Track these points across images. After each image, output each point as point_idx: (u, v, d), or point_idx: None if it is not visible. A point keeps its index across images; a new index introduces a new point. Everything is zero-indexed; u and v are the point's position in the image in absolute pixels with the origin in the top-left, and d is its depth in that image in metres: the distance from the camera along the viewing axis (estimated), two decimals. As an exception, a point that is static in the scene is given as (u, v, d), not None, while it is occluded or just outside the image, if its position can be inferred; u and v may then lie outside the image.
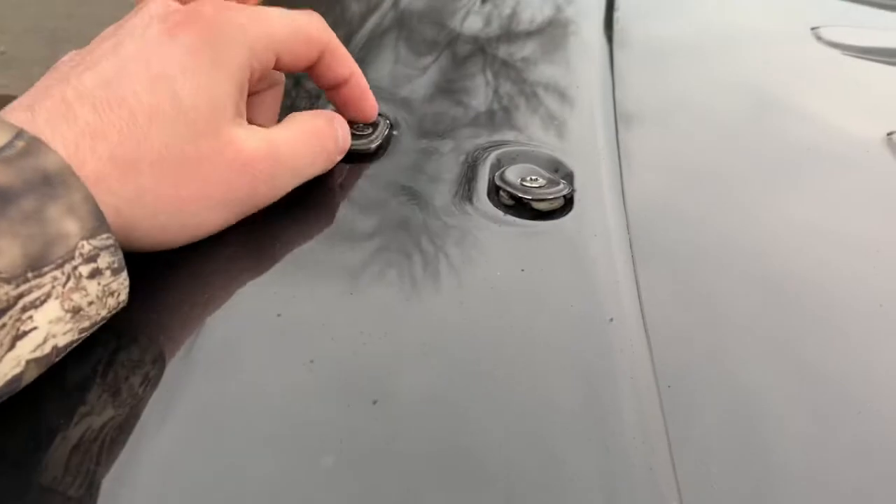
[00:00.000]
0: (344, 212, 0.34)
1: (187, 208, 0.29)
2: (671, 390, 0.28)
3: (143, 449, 0.23)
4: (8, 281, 0.22)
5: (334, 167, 0.36)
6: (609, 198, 0.37)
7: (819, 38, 0.62)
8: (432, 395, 0.26)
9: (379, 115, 0.41)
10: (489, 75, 0.49)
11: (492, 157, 0.39)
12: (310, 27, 0.34)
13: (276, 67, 0.34)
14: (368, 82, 0.38)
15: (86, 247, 0.24)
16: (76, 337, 0.25)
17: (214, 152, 0.29)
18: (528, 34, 0.57)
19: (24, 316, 0.22)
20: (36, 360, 0.23)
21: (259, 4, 0.34)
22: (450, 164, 0.38)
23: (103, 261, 0.25)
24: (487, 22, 0.57)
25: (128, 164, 0.27)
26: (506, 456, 0.24)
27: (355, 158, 0.38)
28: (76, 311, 0.24)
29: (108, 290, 0.25)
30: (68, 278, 0.24)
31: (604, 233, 0.34)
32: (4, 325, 0.22)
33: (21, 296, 0.22)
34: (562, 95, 0.47)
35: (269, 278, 0.30)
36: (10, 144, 0.23)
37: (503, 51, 0.53)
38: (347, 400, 0.25)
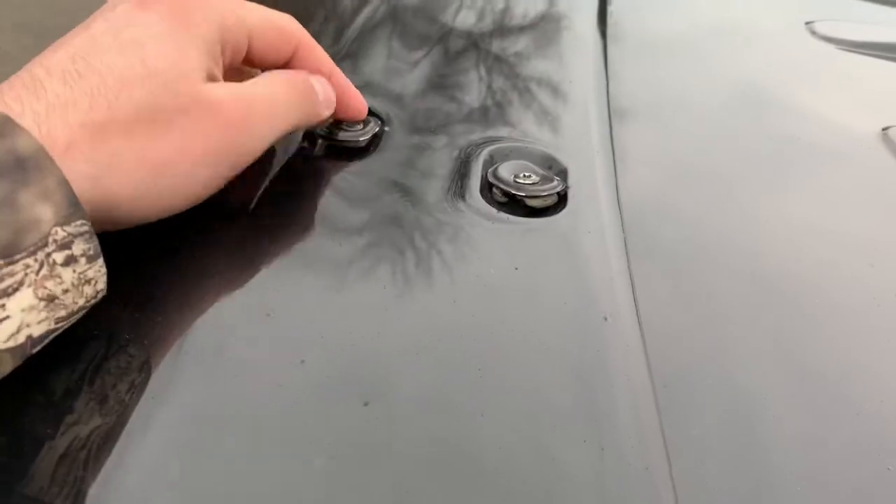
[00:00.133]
0: (334, 208, 0.34)
1: (167, 169, 0.28)
2: (667, 389, 0.27)
3: (131, 454, 0.23)
4: None
5: (325, 163, 0.36)
6: (603, 194, 0.37)
7: (813, 33, 0.62)
8: (425, 396, 0.25)
9: (370, 110, 0.40)
10: (482, 71, 0.49)
11: (485, 153, 0.39)
12: (282, 19, 0.34)
13: (249, 57, 0.34)
14: (359, 77, 0.38)
15: (59, 233, 0.24)
16: (53, 326, 0.24)
17: (186, 106, 0.29)
18: (522, 29, 0.56)
19: None
20: (10, 351, 0.23)
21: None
22: (442, 160, 0.38)
23: (78, 248, 0.24)
24: (480, 17, 0.57)
25: (99, 127, 0.26)
26: (500, 456, 0.24)
27: (346, 154, 0.37)
28: (51, 299, 0.24)
29: (84, 277, 0.25)
30: (41, 266, 0.23)
31: (598, 230, 0.34)
32: None
33: None
34: (555, 91, 0.47)
35: (259, 277, 0.29)
36: None
37: (496, 46, 0.52)
38: (339, 401, 0.25)
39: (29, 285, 0.23)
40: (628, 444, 0.25)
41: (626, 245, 0.34)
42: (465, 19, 0.56)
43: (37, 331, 0.23)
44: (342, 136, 0.38)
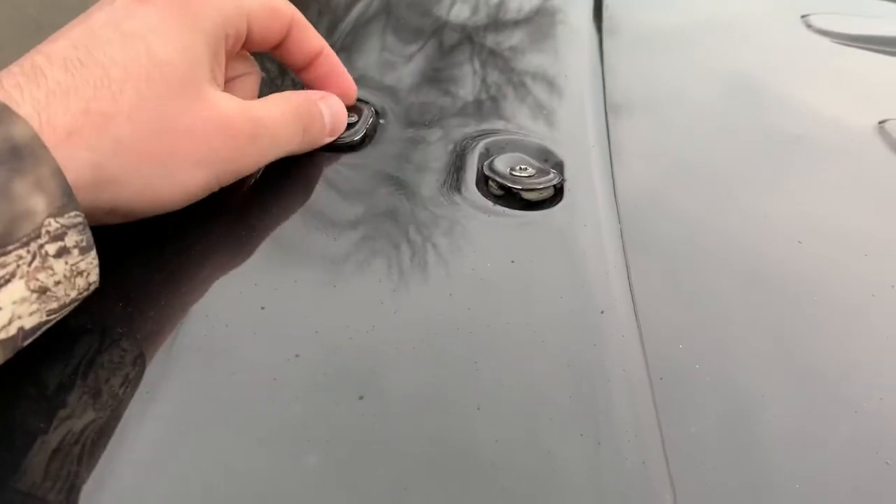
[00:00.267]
0: (329, 202, 0.34)
1: (171, 163, 0.28)
2: (663, 383, 0.27)
3: (124, 448, 0.22)
4: None
5: (319, 155, 0.36)
6: (599, 187, 0.37)
7: (809, 26, 0.62)
8: (421, 390, 0.25)
9: (365, 103, 0.40)
10: (477, 64, 0.48)
11: (480, 146, 0.38)
12: (279, 2, 0.34)
13: (248, 42, 0.34)
14: (354, 71, 0.38)
15: (52, 224, 0.23)
16: (44, 319, 0.24)
17: (192, 108, 0.29)
18: (517, 22, 0.56)
19: None
20: (1, 343, 0.22)
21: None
22: (438, 153, 0.38)
23: (70, 239, 0.24)
24: (475, 10, 0.56)
25: (103, 116, 0.26)
26: (496, 451, 0.24)
27: (340, 148, 0.37)
28: (42, 291, 0.23)
29: (76, 269, 0.25)
30: (34, 257, 0.23)
31: (594, 223, 0.34)
32: None
33: None
34: (551, 84, 0.47)
35: (253, 271, 0.29)
36: None
37: (491, 39, 0.52)
38: (334, 395, 0.25)
39: (21, 277, 0.23)
40: (625, 439, 0.24)
41: (622, 238, 0.34)
42: (461, 12, 0.55)
43: (28, 323, 0.23)
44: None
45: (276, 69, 0.45)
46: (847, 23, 0.62)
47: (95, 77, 0.26)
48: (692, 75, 0.53)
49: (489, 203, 0.34)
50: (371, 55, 0.47)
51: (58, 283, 0.24)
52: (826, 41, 0.60)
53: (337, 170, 0.36)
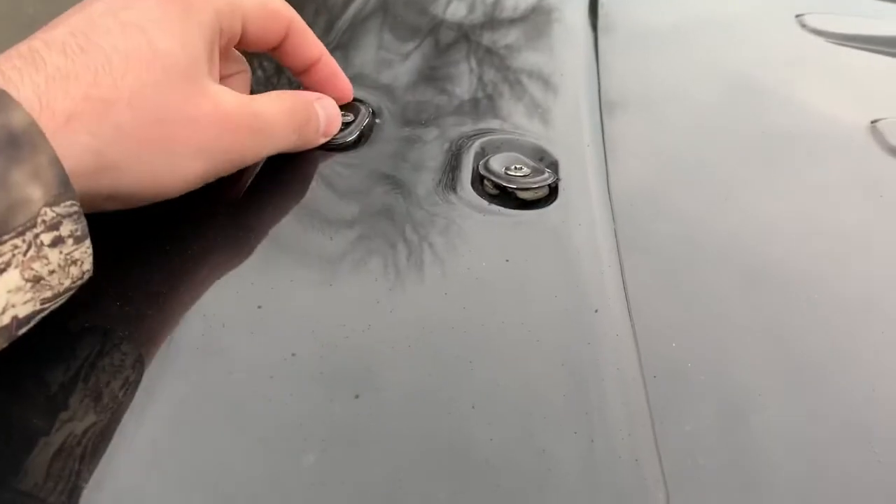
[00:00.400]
0: (326, 201, 0.34)
1: (170, 151, 0.28)
2: (657, 381, 0.27)
3: (122, 448, 0.22)
4: None
5: (315, 155, 0.36)
6: (594, 187, 0.37)
7: (803, 26, 0.62)
8: (416, 388, 0.25)
9: (361, 102, 0.40)
10: (473, 63, 0.48)
11: (476, 145, 0.38)
12: (274, 2, 0.34)
13: (243, 41, 0.34)
14: (350, 69, 0.38)
15: (48, 214, 0.23)
16: (38, 308, 0.24)
17: (192, 99, 0.29)
18: (512, 21, 0.56)
19: None
20: None
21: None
22: (433, 152, 0.38)
23: (66, 228, 0.24)
24: (471, 8, 0.56)
25: (104, 102, 0.26)
26: (491, 448, 0.24)
27: (336, 147, 0.37)
28: (37, 280, 0.23)
29: (71, 258, 0.25)
30: (29, 247, 0.23)
31: (589, 222, 0.34)
32: None
33: None
34: (546, 83, 0.47)
35: (249, 270, 0.29)
36: None
37: (487, 38, 0.52)
38: (330, 393, 0.25)
39: (16, 266, 0.23)
40: (618, 436, 0.25)
41: (616, 237, 0.34)
42: (457, 11, 0.55)
43: (22, 311, 0.23)
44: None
45: (273, 68, 0.45)
46: (841, 22, 0.62)
47: (96, 63, 0.26)
48: (687, 74, 0.53)
49: (484, 202, 0.34)
50: (367, 54, 0.47)
51: (52, 272, 0.24)
52: (820, 41, 0.60)
53: (333, 169, 0.36)
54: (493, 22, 0.55)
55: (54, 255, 0.24)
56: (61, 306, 0.25)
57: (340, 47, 0.47)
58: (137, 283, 0.28)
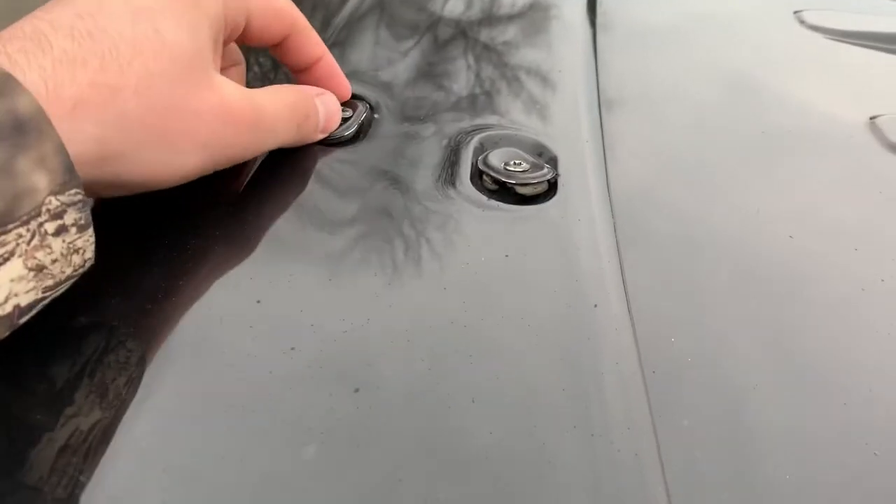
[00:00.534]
0: (324, 197, 0.34)
1: (173, 142, 0.28)
2: (656, 376, 0.27)
3: (122, 442, 0.22)
4: None
5: (313, 150, 0.36)
6: (593, 182, 0.37)
7: (802, 22, 0.62)
8: (416, 382, 0.25)
9: (359, 99, 0.40)
10: (471, 59, 0.48)
11: (475, 141, 0.38)
12: (282, 1, 0.34)
13: (245, 36, 0.34)
14: (348, 65, 0.38)
15: (53, 202, 0.23)
16: (40, 296, 0.24)
17: (198, 90, 0.29)
18: (511, 17, 0.56)
19: None
20: None
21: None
22: (432, 148, 0.38)
23: (70, 217, 0.24)
24: (469, 5, 0.56)
25: (110, 89, 0.26)
26: (490, 443, 0.24)
27: (334, 143, 0.37)
28: (39, 269, 0.23)
29: (73, 247, 0.24)
30: (33, 235, 0.23)
31: (588, 217, 0.34)
32: None
33: None
34: (545, 79, 0.47)
35: (248, 265, 0.29)
36: None
37: (485, 34, 0.52)
38: (329, 387, 0.25)
39: (19, 255, 0.22)
40: (618, 431, 0.25)
41: (615, 233, 0.34)
42: (455, 7, 0.55)
43: (24, 300, 0.23)
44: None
45: (269, 62, 0.45)
46: (839, 19, 0.62)
47: (103, 49, 0.26)
48: (685, 71, 0.53)
49: (483, 198, 0.34)
50: (365, 50, 0.47)
51: (54, 261, 0.24)
52: (819, 37, 0.60)
53: (332, 165, 0.36)
54: (491, 18, 0.55)
55: (57, 244, 0.24)
56: (60, 300, 0.25)
57: (338, 43, 0.47)
58: (136, 277, 0.28)
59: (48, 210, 0.23)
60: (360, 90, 0.41)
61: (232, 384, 0.25)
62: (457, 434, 0.24)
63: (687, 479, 0.25)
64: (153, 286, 0.28)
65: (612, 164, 0.39)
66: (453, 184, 0.35)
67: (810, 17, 0.62)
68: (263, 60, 0.45)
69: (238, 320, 0.27)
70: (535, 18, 0.57)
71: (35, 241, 0.23)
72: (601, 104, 0.45)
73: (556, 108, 0.43)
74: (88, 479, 0.21)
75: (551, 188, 0.36)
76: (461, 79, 0.45)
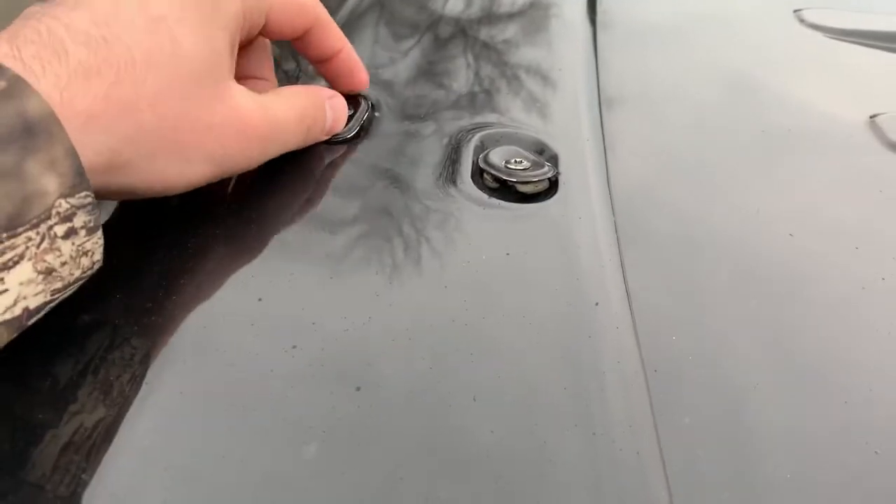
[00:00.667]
0: (325, 195, 0.34)
1: (184, 155, 0.28)
2: (657, 374, 0.27)
3: (124, 440, 0.22)
4: None
5: (315, 148, 0.36)
6: (594, 180, 0.37)
7: (802, 21, 0.62)
8: (417, 381, 0.25)
9: (361, 96, 0.40)
10: (471, 57, 0.48)
11: (475, 139, 0.38)
12: None
13: (266, 31, 0.34)
14: None
15: (63, 205, 0.23)
16: (48, 298, 0.24)
17: (212, 104, 0.28)
18: (511, 16, 0.56)
19: None
20: (6, 323, 0.22)
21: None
22: (433, 146, 0.38)
23: (79, 220, 0.24)
24: (470, 3, 0.56)
25: (125, 103, 0.25)
26: (492, 441, 0.24)
27: (336, 141, 0.37)
28: (48, 272, 0.23)
29: (82, 249, 0.24)
30: (42, 239, 0.23)
31: (589, 216, 0.34)
32: None
33: None
34: (545, 78, 0.47)
35: (250, 263, 0.29)
36: None
37: (486, 32, 0.52)
38: (331, 386, 0.25)
39: (29, 259, 0.22)
40: (619, 429, 0.25)
41: (616, 231, 0.34)
42: (455, 6, 0.55)
43: (33, 303, 0.23)
44: None
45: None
46: (839, 17, 0.62)
47: (119, 59, 0.25)
48: (685, 69, 0.53)
49: (484, 196, 0.34)
50: (365, 48, 0.47)
51: (63, 263, 0.24)
52: (819, 36, 0.60)
53: (333, 163, 0.36)
54: (492, 17, 0.55)
55: (66, 247, 0.24)
56: (64, 299, 0.25)
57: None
58: (137, 276, 0.28)
59: (58, 213, 0.23)
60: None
61: (233, 383, 0.25)
62: (458, 433, 0.24)
63: (688, 477, 0.25)
64: (154, 285, 0.28)
65: (613, 162, 0.39)
66: (454, 182, 0.35)
67: (810, 16, 0.62)
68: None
69: (239, 319, 0.27)
70: (535, 17, 0.57)
71: (45, 245, 0.23)
72: (602, 102, 0.45)
73: (556, 107, 0.43)
74: (90, 477, 0.21)
75: (552, 186, 0.36)
76: (462, 77, 0.45)
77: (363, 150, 0.37)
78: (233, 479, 0.22)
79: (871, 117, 0.48)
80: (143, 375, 0.24)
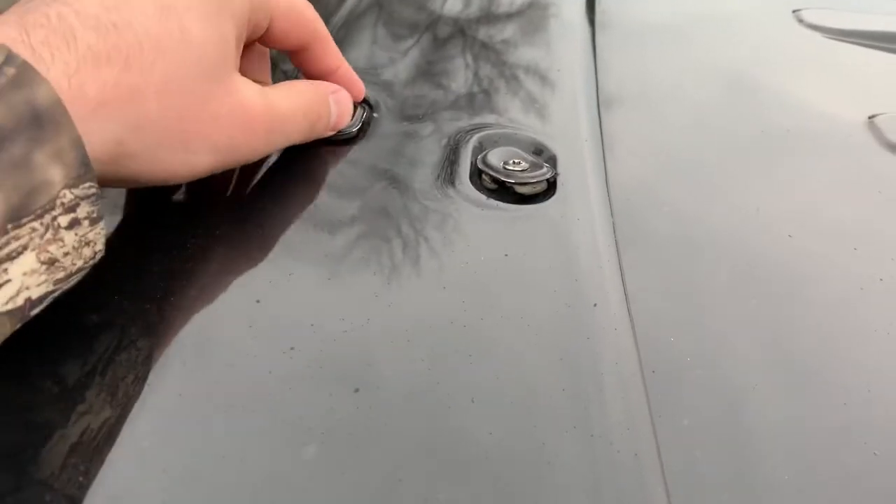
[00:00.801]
0: (323, 196, 0.34)
1: (188, 145, 0.28)
2: (655, 376, 0.27)
3: (123, 441, 0.22)
4: None
5: (314, 149, 0.36)
6: (592, 181, 0.37)
7: (800, 21, 0.62)
8: (415, 382, 0.25)
9: None
10: (470, 58, 0.48)
11: (474, 140, 0.38)
12: (304, 5, 0.34)
13: (265, 39, 0.34)
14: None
15: (67, 196, 0.23)
16: (51, 288, 0.23)
17: (218, 95, 0.28)
18: (510, 16, 0.56)
19: (0, 269, 0.21)
20: (8, 313, 0.22)
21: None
22: (431, 147, 0.38)
23: (82, 210, 0.24)
24: (468, 3, 0.56)
25: (133, 90, 0.25)
26: (490, 443, 0.24)
27: (335, 142, 0.37)
28: (51, 262, 0.23)
29: (85, 240, 0.24)
30: (46, 229, 0.22)
31: (587, 217, 0.34)
32: None
33: None
34: (544, 78, 0.47)
35: (248, 264, 0.29)
36: None
37: (484, 33, 0.52)
38: (329, 387, 0.25)
39: (32, 249, 0.22)
40: (617, 431, 0.25)
41: (615, 232, 0.34)
42: (454, 6, 0.55)
43: (36, 293, 0.23)
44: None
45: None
46: (838, 18, 0.62)
47: (128, 46, 0.25)
48: (684, 70, 0.53)
49: (483, 197, 0.34)
50: (364, 48, 0.47)
51: (66, 254, 0.24)
52: (817, 36, 0.60)
53: (331, 164, 0.36)
54: (490, 17, 0.55)
55: (70, 238, 0.23)
56: (60, 300, 0.25)
57: (337, 42, 0.47)
58: (135, 277, 0.28)
59: (62, 203, 0.23)
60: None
61: (232, 384, 0.25)
62: (456, 434, 0.24)
63: (687, 479, 0.25)
64: (152, 286, 0.28)
65: (612, 163, 0.39)
66: (452, 183, 0.35)
67: (809, 16, 0.62)
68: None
69: (237, 320, 0.27)
70: (533, 17, 0.57)
71: (48, 235, 0.23)
72: (600, 103, 0.45)
73: (555, 107, 0.43)
74: (89, 478, 0.21)
75: (550, 187, 0.36)
76: (460, 78, 0.45)
77: (362, 151, 0.37)
78: (231, 480, 0.22)
79: (869, 118, 0.48)
80: (141, 376, 0.24)
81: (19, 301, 0.22)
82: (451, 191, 0.35)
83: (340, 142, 0.37)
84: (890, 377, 0.30)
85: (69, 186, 0.23)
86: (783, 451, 0.26)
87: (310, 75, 0.37)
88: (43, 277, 0.23)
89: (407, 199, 0.34)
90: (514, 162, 0.36)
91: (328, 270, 0.29)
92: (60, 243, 0.23)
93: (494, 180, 0.35)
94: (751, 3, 0.67)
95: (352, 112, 0.38)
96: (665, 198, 0.38)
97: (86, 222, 0.24)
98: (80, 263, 0.24)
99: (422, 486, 0.22)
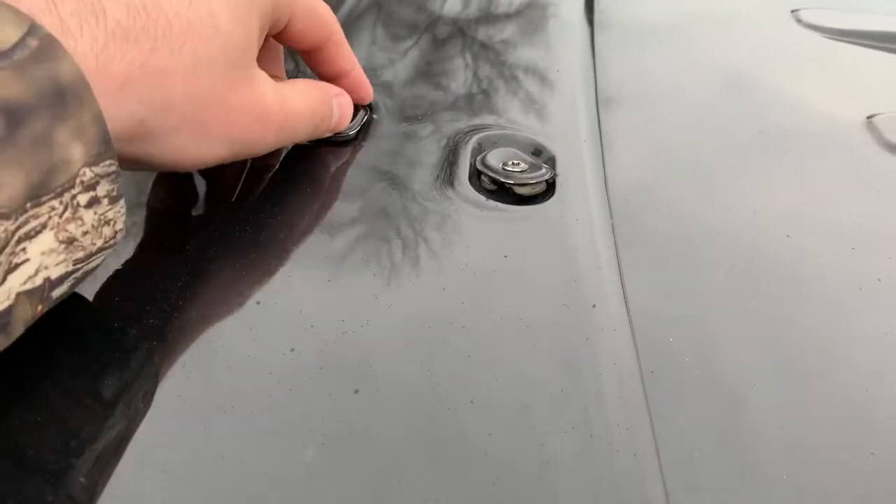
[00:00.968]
0: (323, 197, 0.34)
1: (205, 132, 0.28)
2: (654, 376, 0.27)
3: (123, 443, 0.22)
4: (7, 216, 0.20)
5: (312, 150, 0.36)
6: (591, 182, 0.37)
7: (799, 21, 0.62)
8: (415, 383, 0.25)
9: None
10: (469, 58, 0.48)
11: (473, 141, 0.38)
12: (323, 8, 0.35)
13: (283, 36, 0.34)
14: None
15: (87, 174, 0.22)
16: (71, 268, 0.23)
17: (239, 86, 0.29)
18: (509, 17, 0.56)
19: (18, 248, 0.20)
20: (27, 293, 0.21)
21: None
22: (430, 148, 0.38)
23: (102, 189, 0.23)
24: (467, 4, 0.56)
25: (161, 72, 0.25)
26: (489, 443, 0.24)
27: (333, 143, 0.37)
28: (70, 241, 0.22)
29: (104, 219, 0.24)
30: (66, 208, 0.22)
31: (586, 217, 0.34)
32: None
33: (18, 228, 0.20)
34: (543, 79, 0.47)
35: (247, 266, 0.29)
36: (21, 43, 0.20)
37: (483, 33, 0.52)
38: (329, 388, 0.25)
39: (51, 228, 0.22)
40: (616, 431, 0.25)
41: (614, 233, 0.34)
42: (453, 7, 0.55)
43: (55, 273, 0.22)
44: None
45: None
46: (837, 17, 0.62)
47: (157, 28, 0.25)
48: (683, 70, 0.53)
49: (482, 198, 0.34)
50: (363, 49, 0.47)
51: (86, 233, 0.23)
52: (816, 36, 0.60)
53: (330, 165, 0.36)
54: (489, 17, 0.55)
55: (89, 216, 0.23)
56: (63, 300, 0.25)
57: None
58: (135, 279, 0.28)
59: (82, 182, 0.22)
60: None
61: (232, 385, 0.25)
62: (456, 435, 0.24)
63: (685, 479, 0.25)
64: (151, 288, 0.28)
65: (611, 163, 0.39)
66: (451, 184, 0.35)
67: (807, 16, 0.62)
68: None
69: (237, 322, 0.27)
70: (532, 17, 0.57)
71: (67, 214, 0.22)
72: (599, 104, 0.45)
73: (554, 108, 0.43)
74: (89, 479, 0.21)
75: (549, 188, 0.36)
76: (459, 78, 0.45)
77: (361, 152, 0.37)
78: (231, 481, 0.22)
79: (868, 117, 0.48)
80: (142, 377, 0.24)
81: (38, 281, 0.22)
82: (450, 192, 0.35)
83: (340, 143, 0.37)
84: (888, 377, 0.30)
85: (89, 164, 0.22)
86: (782, 451, 0.26)
87: (322, 76, 0.37)
88: (62, 257, 0.22)
89: (406, 201, 0.34)
90: (513, 163, 0.36)
91: (328, 272, 0.29)
92: (80, 222, 0.23)
93: (493, 181, 0.35)
94: (749, 2, 0.67)
95: (351, 114, 0.38)
96: (664, 198, 0.38)
97: (105, 201, 0.24)
98: (100, 243, 0.24)
99: (421, 487, 0.22)
